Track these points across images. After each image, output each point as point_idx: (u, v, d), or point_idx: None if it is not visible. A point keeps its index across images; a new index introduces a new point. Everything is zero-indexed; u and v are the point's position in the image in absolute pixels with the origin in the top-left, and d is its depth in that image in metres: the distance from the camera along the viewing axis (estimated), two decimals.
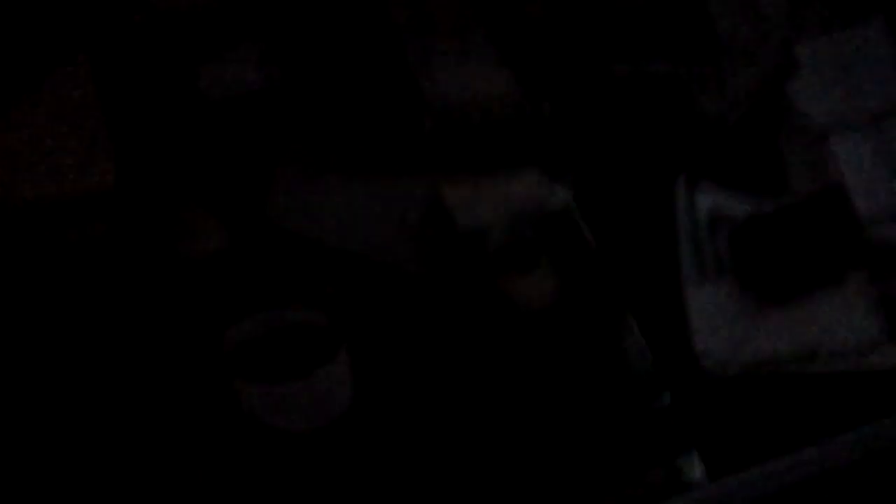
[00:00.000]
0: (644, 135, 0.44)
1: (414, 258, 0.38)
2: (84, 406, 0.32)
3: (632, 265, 0.41)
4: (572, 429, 0.36)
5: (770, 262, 0.44)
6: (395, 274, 0.37)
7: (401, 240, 0.38)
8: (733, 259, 0.43)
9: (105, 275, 0.34)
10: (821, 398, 0.41)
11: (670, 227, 0.42)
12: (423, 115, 0.40)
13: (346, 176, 0.39)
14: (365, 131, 0.40)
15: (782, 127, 0.48)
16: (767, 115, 0.48)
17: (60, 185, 0.33)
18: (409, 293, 0.37)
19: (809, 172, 0.48)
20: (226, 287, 0.35)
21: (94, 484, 0.31)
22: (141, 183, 0.35)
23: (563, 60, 0.45)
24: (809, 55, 0.50)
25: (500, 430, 0.35)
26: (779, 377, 0.41)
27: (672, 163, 0.44)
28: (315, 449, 0.34)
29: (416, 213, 0.39)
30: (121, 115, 0.35)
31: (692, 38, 0.49)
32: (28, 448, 0.31)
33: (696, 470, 0.36)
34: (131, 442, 0.32)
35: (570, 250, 0.40)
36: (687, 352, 0.40)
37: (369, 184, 0.39)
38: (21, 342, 0.32)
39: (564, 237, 0.40)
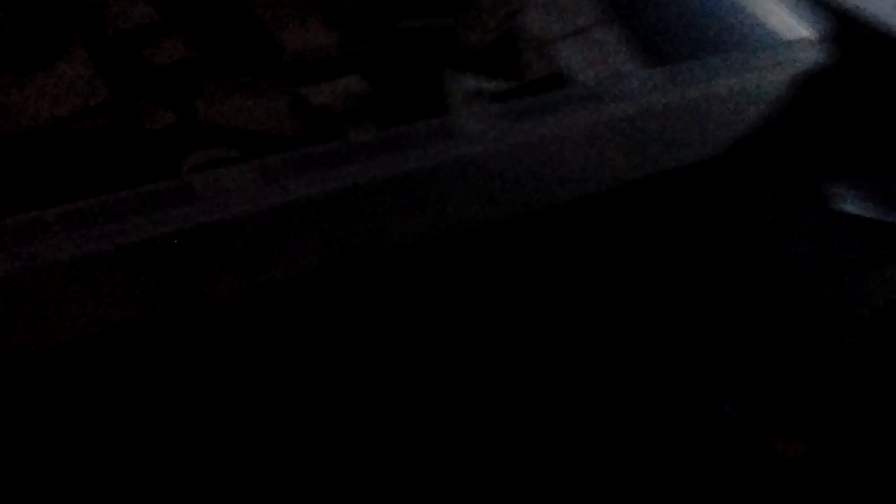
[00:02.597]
0: (424, 58, 0.71)
1: (288, 128, 0.64)
2: None
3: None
4: None
5: None
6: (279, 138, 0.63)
7: (279, 120, 0.64)
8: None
9: (106, 143, 0.59)
10: None
11: (443, 102, 0.68)
12: (281, 54, 0.67)
13: (242, 90, 0.65)
14: (250, 65, 0.67)
15: (520, 43, 0.75)
16: (510, 38, 0.75)
17: (75, 105, 0.59)
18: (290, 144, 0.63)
19: (540, 68, 0.74)
20: (176, 144, 0.60)
21: None
22: (123, 97, 0.61)
23: (370, 21, 0.72)
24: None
25: None
26: None
27: (443, 67, 0.70)
28: None
29: (286, 103, 0.65)
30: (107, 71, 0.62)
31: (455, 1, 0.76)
32: None
33: None
34: None
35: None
36: None
37: (258, 93, 0.65)
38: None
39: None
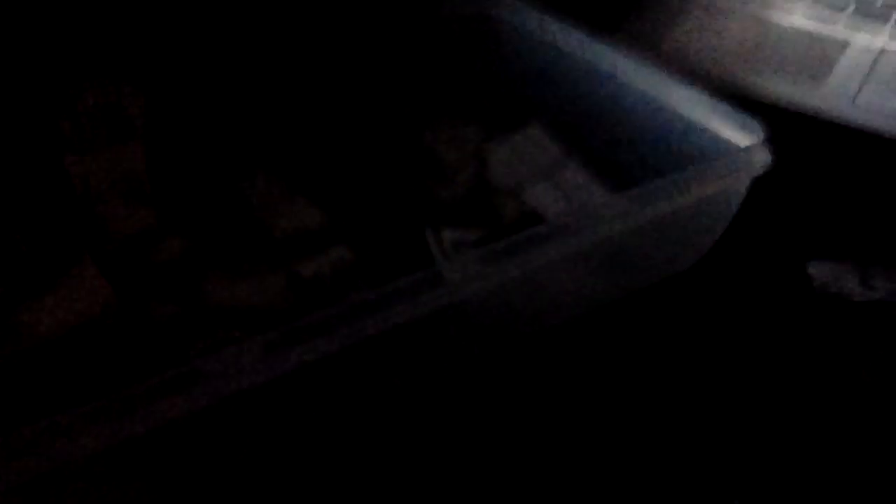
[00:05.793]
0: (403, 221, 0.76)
1: (286, 302, 0.68)
2: None
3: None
4: None
5: None
6: None
7: (277, 295, 0.68)
8: None
9: (115, 341, 0.63)
10: None
11: (429, 256, 0.72)
12: (272, 237, 0.72)
13: (241, 275, 0.70)
14: (246, 252, 0.72)
15: (493, 194, 0.80)
16: (481, 188, 0.80)
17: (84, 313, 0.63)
18: None
19: (513, 211, 0.79)
20: (181, 331, 0.64)
21: None
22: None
23: (350, 194, 0.78)
24: (495, 151, 0.83)
25: None
26: None
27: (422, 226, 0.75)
28: None
29: (281, 280, 0.69)
30: None
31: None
32: None
33: None
34: None
35: None
36: None
37: (256, 275, 0.70)
38: None
39: None
